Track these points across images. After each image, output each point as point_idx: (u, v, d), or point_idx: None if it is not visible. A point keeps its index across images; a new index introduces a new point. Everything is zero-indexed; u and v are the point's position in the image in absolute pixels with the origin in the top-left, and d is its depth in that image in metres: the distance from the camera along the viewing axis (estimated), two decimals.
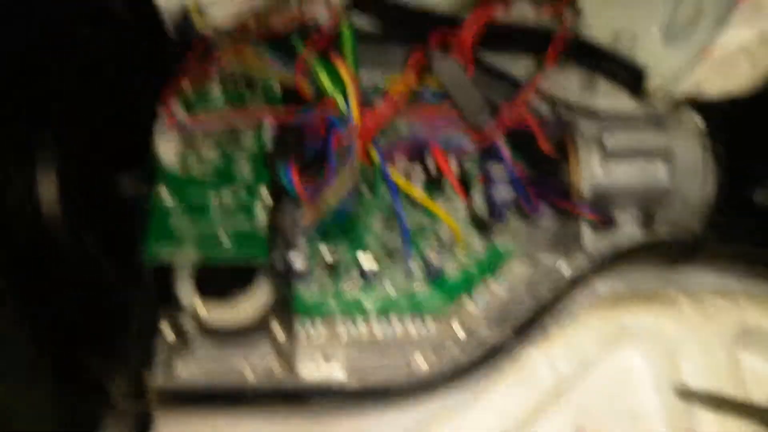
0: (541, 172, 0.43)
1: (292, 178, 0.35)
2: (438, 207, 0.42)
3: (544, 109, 0.49)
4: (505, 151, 0.41)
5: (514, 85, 0.49)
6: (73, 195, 0.37)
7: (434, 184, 0.44)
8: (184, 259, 0.35)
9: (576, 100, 0.51)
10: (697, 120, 0.42)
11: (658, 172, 0.42)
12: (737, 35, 0.57)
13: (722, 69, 0.54)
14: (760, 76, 0.54)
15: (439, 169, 0.43)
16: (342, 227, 0.41)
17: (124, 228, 0.37)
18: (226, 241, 0.35)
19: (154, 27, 0.49)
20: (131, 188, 0.40)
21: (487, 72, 0.49)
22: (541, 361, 0.41)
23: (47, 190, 0.35)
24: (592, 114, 0.49)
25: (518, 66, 0.51)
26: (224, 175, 0.38)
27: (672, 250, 0.44)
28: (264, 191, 0.37)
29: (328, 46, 0.40)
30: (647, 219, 0.43)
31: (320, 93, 0.40)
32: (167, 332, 0.37)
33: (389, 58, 0.52)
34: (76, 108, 0.40)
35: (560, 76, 0.52)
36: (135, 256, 0.35)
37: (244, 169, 0.38)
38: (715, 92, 0.52)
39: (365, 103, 0.45)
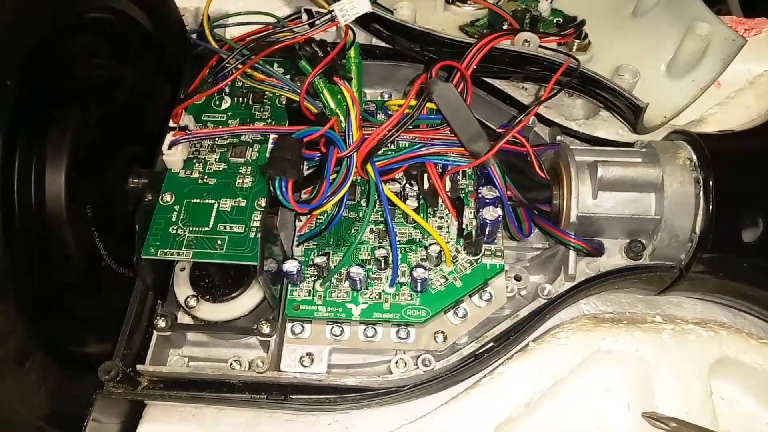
0: (534, 196, 0.45)
1: (287, 192, 0.38)
2: (428, 224, 0.44)
3: (544, 133, 0.50)
4: (497, 175, 0.42)
5: (518, 108, 0.51)
6: (79, 189, 0.41)
7: (429, 200, 0.46)
8: (181, 258, 0.38)
9: (579, 126, 0.52)
10: (689, 154, 0.43)
11: (648, 204, 0.43)
12: (747, 69, 0.57)
13: (727, 101, 0.55)
14: (764, 111, 0.54)
15: (433, 186, 0.45)
16: (333, 237, 0.44)
17: (126, 226, 0.40)
18: (221, 244, 0.38)
19: (173, 36, 0.53)
20: (136, 190, 0.43)
21: (490, 94, 0.52)
22: (518, 375, 0.42)
23: (54, 183, 0.38)
24: (589, 142, 0.50)
25: (523, 92, 0.53)
26: (226, 185, 0.41)
27: (657, 279, 0.45)
28: (262, 202, 0.40)
29: (334, 66, 0.43)
30: (635, 248, 0.44)
31: (324, 111, 0.43)
32: (161, 324, 0.40)
33: (396, 74, 0.54)
34: (89, 109, 0.43)
35: (567, 101, 0.53)
36: (137, 250, 0.38)
37: (246, 180, 0.42)
38: (719, 124, 0.53)
39: (368, 118, 0.48)
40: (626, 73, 0.46)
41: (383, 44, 0.53)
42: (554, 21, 0.57)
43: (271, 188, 0.38)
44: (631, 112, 0.46)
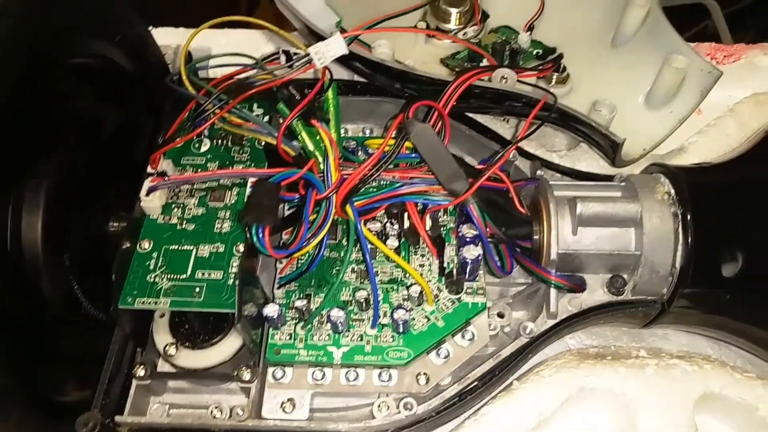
0: (514, 233, 0.45)
1: (264, 239, 0.38)
2: (409, 264, 0.44)
3: (525, 166, 0.50)
4: (476, 214, 0.42)
5: (499, 142, 0.51)
6: (57, 236, 0.40)
7: (410, 238, 0.46)
8: (159, 307, 0.38)
9: (560, 157, 0.52)
10: (667, 188, 0.43)
11: (627, 240, 0.43)
12: (728, 95, 0.58)
13: (707, 130, 0.55)
14: (746, 138, 0.54)
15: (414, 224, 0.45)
16: (315, 278, 0.44)
17: (105, 273, 0.40)
18: (198, 292, 0.38)
19: (155, 76, 0.53)
20: (115, 236, 0.43)
21: (471, 128, 0.52)
22: (502, 415, 0.42)
23: (30, 229, 0.38)
24: (570, 175, 0.50)
25: (504, 125, 0.53)
26: (205, 230, 0.41)
27: (641, 313, 0.45)
28: (240, 247, 0.40)
29: (312, 108, 0.43)
30: (616, 283, 0.44)
31: (303, 153, 0.43)
32: (140, 372, 0.40)
33: (378, 109, 0.54)
34: (69, 152, 0.43)
35: (548, 132, 0.54)
36: (114, 299, 0.38)
37: (224, 224, 0.42)
38: (699, 154, 0.53)
39: (348, 157, 0.48)
40: (603, 108, 0.47)
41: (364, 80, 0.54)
42: (534, 53, 0.57)
43: (248, 235, 0.38)
44: (609, 146, 0.46)
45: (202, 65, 0.49)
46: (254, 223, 0.38)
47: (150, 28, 0.59)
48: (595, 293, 0.44)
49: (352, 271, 0.45)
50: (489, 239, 0.43)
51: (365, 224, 0.45)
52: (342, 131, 0.54)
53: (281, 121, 0.43)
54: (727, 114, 0.56)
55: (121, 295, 0.38)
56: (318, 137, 0.43)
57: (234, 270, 0.39)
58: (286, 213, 0.46)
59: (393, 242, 0.45)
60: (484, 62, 0.56)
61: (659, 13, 0.50)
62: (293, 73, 0.42)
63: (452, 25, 0.58)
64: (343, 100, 0.53)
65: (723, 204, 0.42)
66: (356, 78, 0.55)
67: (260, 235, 0.39)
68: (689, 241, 0.41)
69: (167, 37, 0.61)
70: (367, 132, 0.54)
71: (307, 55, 0.42)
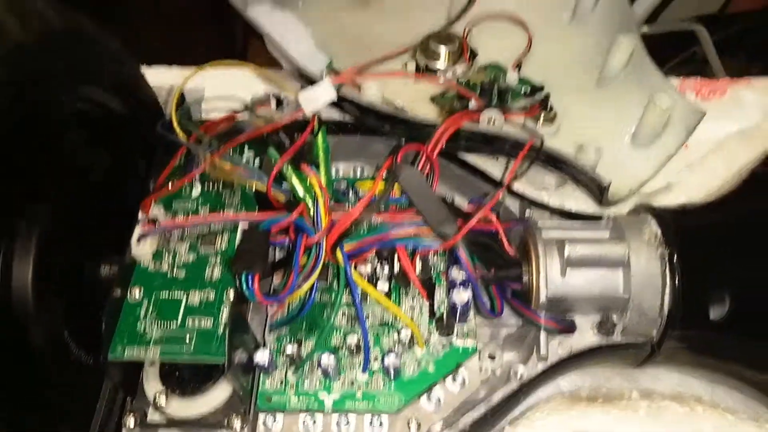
0: (504, 274, 0.45)
1: (253, 287, 0.38)
2: (399, 309, 0.44)
3: (514, 205, 0.51)
4: (465, 258, 0.42)
5: (489, 181, 0.52)
6: (47, 282, 0.40)
7: (400, 281, 0.46)
8: (148, 357, 0.38)
9: (549, 196, 0.53)
10: (655, 230, 0.43)
11: (616, 282, 0.43)
12: (714, 130, 0.58)
13: (695, 166, 0.56)
14: (734, 175, 0.55)
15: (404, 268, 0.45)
16: (306, 322, 0.44)
17: (96, 318, 0.40)
18: (188, 341, 0.38)
19: (148, 117, 0.53)
20: (107, 281, 0.43)
21: (461, 167, 0.52)
22: None
23: (21, 276, 0.38)
24: (559, 214, 0.51)
25: (495, 162, 0.54)
26: (195, 277, 0.41)
27: (632, 354, 0.45)
28: (231, 294, 0.40)
29: (302, 153, 0.43)
30: (606, 325, 0.44)
31: (293, 198, 0.43)
32: (130, 423, 0.39)
33: (369, 147, 0.55)
34: (61, 199, 0.43)
35: (538, 171, 0.54)
36: (104, 350, 0.38)
37: (215, 271, 0.42)
38: (687, 191, 0.54)
39: (339, 198, 0.48)
40: (590, 149, 0.47)
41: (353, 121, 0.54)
42: (522, 90, 0.58)
43: (238, 284, 0.39)
44: (596, 188, 0.47)
45: (193, 108, 0.49)
46: (244, 272, 0.38)
47: (143, 67, 0.60)
48: (585, 334, 0.44)
49: (343, 314, 0.45)
50: (479, 281, 0.43)
51: (355, 267, 0.45)
52: (333, 170, 0.54)
53: (273, 161, 0.43)
54: (714, 150, 0.56)
55: (111, 346, 0.38)
56: (308, 182, 0.43)
57: (224, 318, 0.40)
58: (278, 255, 0.46)
59: (383, 285, 0.45)
60: (473, 102, 0.56)
61: (643, 54, 0.51)
62: (283, 119, 0.43)
63: (441, 63, 0.59)
64: (334, 139, 0.53)
65: (709, 246, 0.43)
66: (346, 118, 0.55)
67: (250, 283, 0.39)
68: (677, 283, 0.41)
69: (161, 77, 0.62)
70: (358, 171, 0.55)
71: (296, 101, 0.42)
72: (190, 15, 1.16)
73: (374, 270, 0.46)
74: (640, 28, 0.52)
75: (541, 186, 0.54)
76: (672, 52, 1.39)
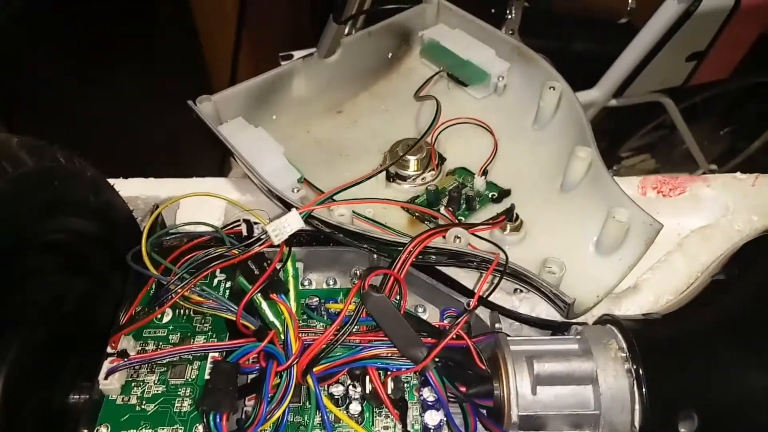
0: (475, 392, 0.45)
1: (221, 425, 0.38)
2: (372, 429, 0.44)
3: (485, 314, 0.52)
4: (435, 379, 0.43)
5: (461, 291, 0.53)
6: (16, 415, 0.40)
7: (373, 401, 0.46)
8: None
9: (520, 300, 0.53)
10: (620, 343, 0.44)
11: (587, 398, 0.43)
12: (674, 227, 0.60)
13: (659, 266, 0.57)
14: (696, 273, 0.56)
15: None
16: None
17: None
18: None
19: (123, 234, 0.54)
20: (77, 406, 0.43)
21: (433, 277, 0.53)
22: None
23: None
24: (529, 323, 0.51)
25: (466, 274, 0.55)
26: (164, 410, 0.41)
27: None
28: (200, 429, 0.40)
29: (272, 282, 0.44)
30: None
31: (264, 325, 0.44)
32: None
33: (341, 258, 0.56)
34: (30, 331, 0.43)
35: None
36: None
37: (185, 403, 0.42)
38: (653, 290, 0.55)
39: (311, 315, 0.49)
40: (554, 265, 0.48)
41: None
42: (489, 196, 0.60)
43: (205, 423, 0.38)
44: (561, 302, 0.48)
45: (161, 233, 0.50)
46: (211, 411, 0.38)
47: (119, 180, 0.61)
48: None
49: None
50: (451, 399, 0.43)
51: (327, 388, 0.45)
52: (306, 282, 0.55)
53: (244, 291, 0.44)
54: (676, 249, 0.58)
55: None
56: (278, 309, 0.44)
57: None
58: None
59: (356, 407, 0.45)
60: (442, 209, 0.58)
61: (600, 166, 0.53)
62: (252, 250, 0.44)
63: (411, 171, 0.61)
64: (306, 251, 0.54)
65: (674, 360, 0.43)
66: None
67: (217, 422, 0.39)
68: (645, 399, 0.42)
69: (136, 188, 0.63)
70: (331, 282, 0.56)
71: (265, 233, 0.44)
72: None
73: (347, 390, 0.45)
74: (593, 141, 0.54)
75: (510, 291, 0.55)
76: (643, 120, 1.46)
